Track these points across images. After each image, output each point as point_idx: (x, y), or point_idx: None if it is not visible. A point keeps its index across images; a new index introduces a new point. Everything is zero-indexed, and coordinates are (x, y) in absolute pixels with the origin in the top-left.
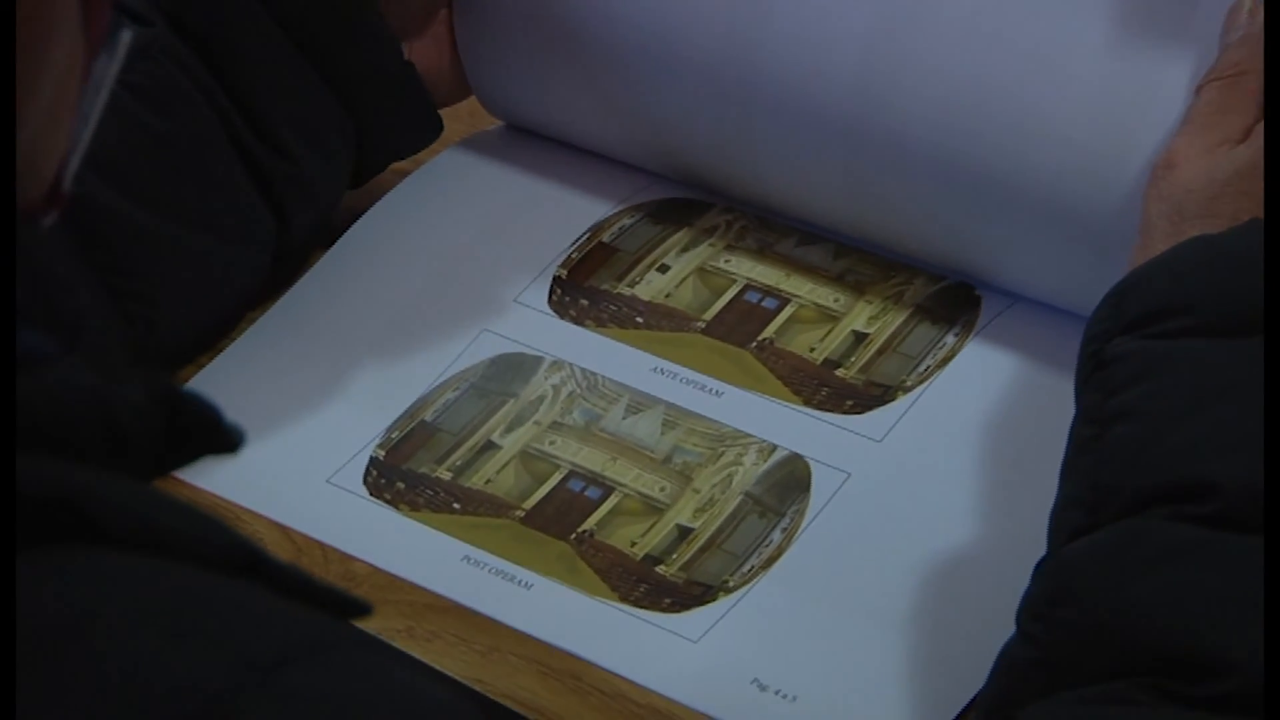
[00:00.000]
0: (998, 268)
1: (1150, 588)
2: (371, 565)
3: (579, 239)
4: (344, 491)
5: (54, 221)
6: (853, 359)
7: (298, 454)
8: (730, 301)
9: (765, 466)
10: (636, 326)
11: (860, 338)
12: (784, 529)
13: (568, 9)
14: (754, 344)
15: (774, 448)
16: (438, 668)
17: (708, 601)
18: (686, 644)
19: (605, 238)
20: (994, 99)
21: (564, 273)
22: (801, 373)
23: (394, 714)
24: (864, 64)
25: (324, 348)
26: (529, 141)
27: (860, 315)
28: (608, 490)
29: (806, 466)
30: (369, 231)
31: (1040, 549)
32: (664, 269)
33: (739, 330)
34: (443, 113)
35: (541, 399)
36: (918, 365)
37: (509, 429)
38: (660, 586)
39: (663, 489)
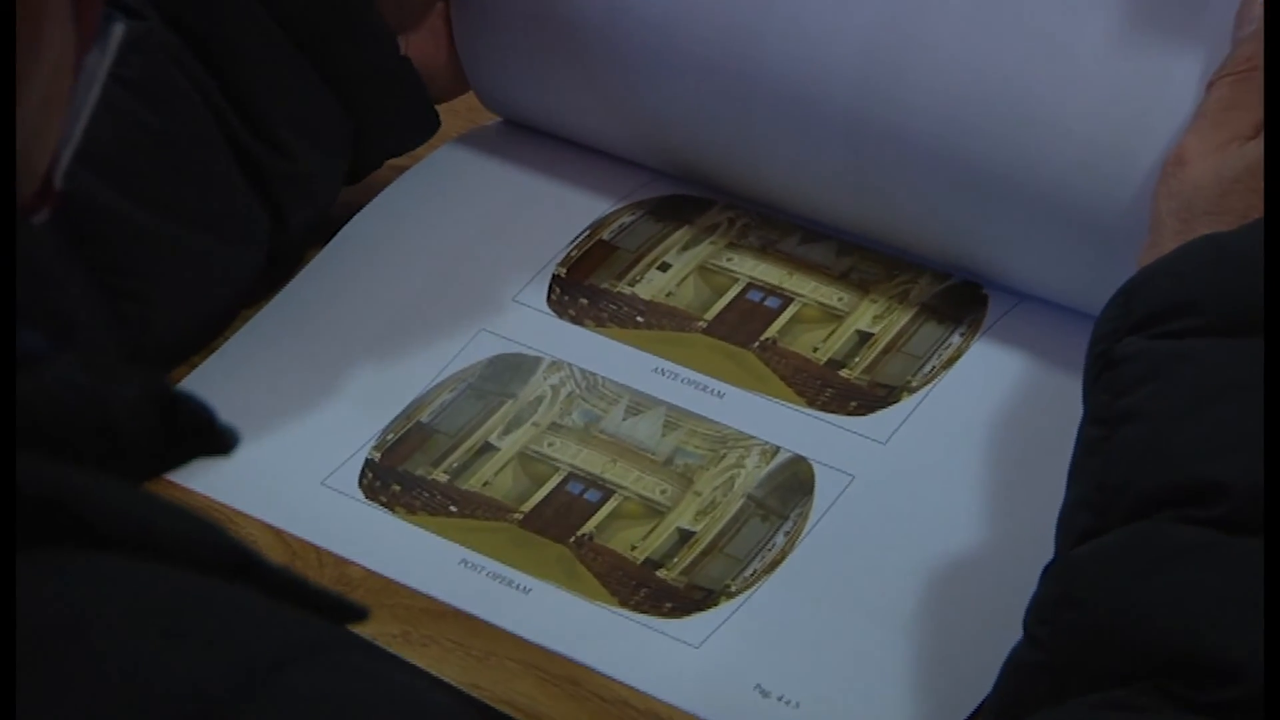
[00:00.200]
0: (1004, 266)
1: (1158, 591)
2: (367, 569)
3: (578, 236)
4: (339, 494)
5: (45, 219)
6: (857, 359)
7: (292, 456)
8: (732, 301)
9: (768, 469)
10: (637, 326)
11: (864, 337)
12: (787, 532)
13: (568, 3)
14: (756, 344)
15: (777, 450)
16: (434, 673)
17: (709, 606)
18: (688, 649)
19: (605, 235)
20: (1001, 93)
21: (563, 271)
22: (805, 373)
23: (394, 716)
24: (868, 58)
25: (318, 348)
26: (527, 137)
27: (864, 314)
28: (607, 493)
29: (810, 469)
30: (364, 229)
31: (1048, 552)
32: (665, 267)
33: (741, 330)
34: (440, 109)
35: (540, 400)
36: (923, 365)
37: (507, 430)
38: (661, 591)
39: (664, 491)
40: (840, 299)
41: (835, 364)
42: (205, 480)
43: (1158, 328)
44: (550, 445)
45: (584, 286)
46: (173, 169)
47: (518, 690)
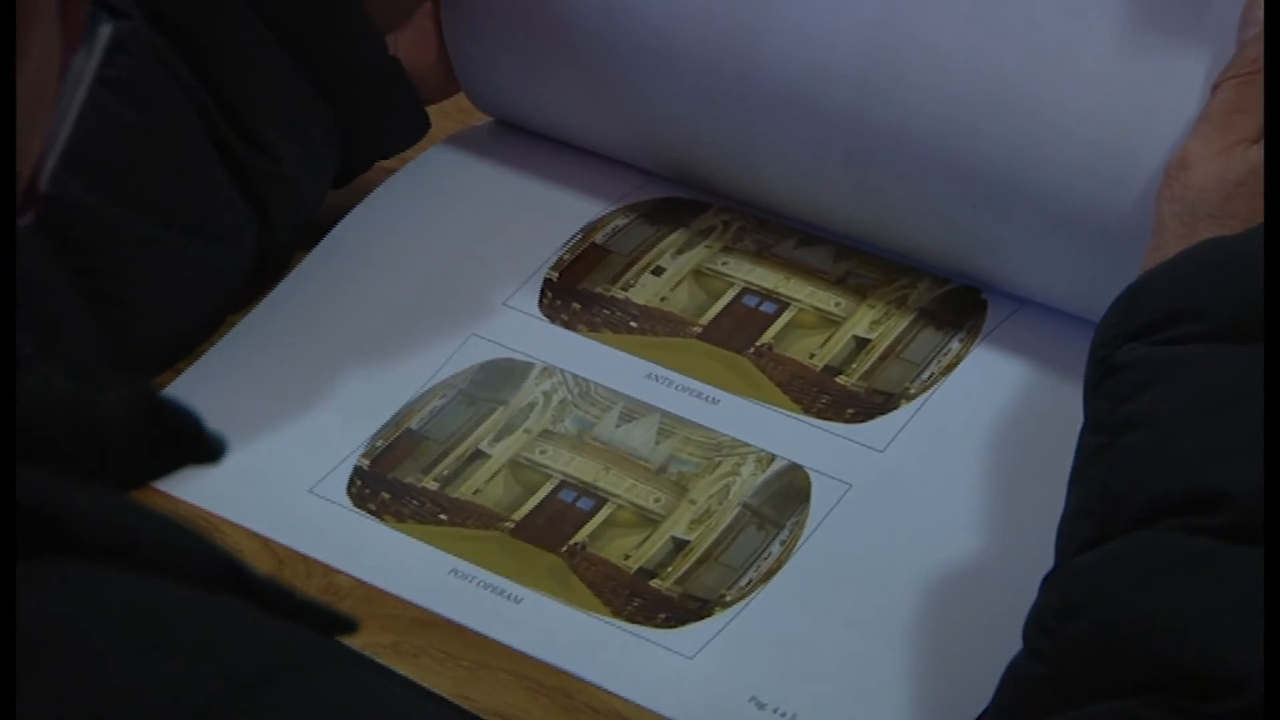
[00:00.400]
0: (1005, 270)
1: (1161, 601)
2: (355, 579)
3: (571, 240)
4: (327, 502)
5: (30, 222)
6: (854, 365)
7: (279, 463)
8: (727, 305)
9: (764, 477)
10: (630, 331)
11: (862, 343)
12: (783, 541)
13: (561, 1)
14: (752, 350)
15: (773, 457)
16: (424, 684)
17: (704, 616)
18: (682, 660)
19: (598, 239)
20: (1001, 95)
21: (555, 275)
22: (801, 380)
23: None
24: (867, 58)
25: (306, 353)
26: (519, 138)
27: (862, 320)
28: (600, 501)
29: (806, 477)
30: (353, 233)
31: (1048, 562)
32: (659, 271)
33: (737, 335)
34: (431, 110)
35: (532, 406)
36: (921, 372)
37: (498, 437)
38: (655, 601)
39: (657, 500)
40: (837, 304)
41: (832, 370)
42: (191, 488)
43: (1160, 334)
44: (542, 453)
45: (577, 291)
46: (158, 171)
47: (509, 702)
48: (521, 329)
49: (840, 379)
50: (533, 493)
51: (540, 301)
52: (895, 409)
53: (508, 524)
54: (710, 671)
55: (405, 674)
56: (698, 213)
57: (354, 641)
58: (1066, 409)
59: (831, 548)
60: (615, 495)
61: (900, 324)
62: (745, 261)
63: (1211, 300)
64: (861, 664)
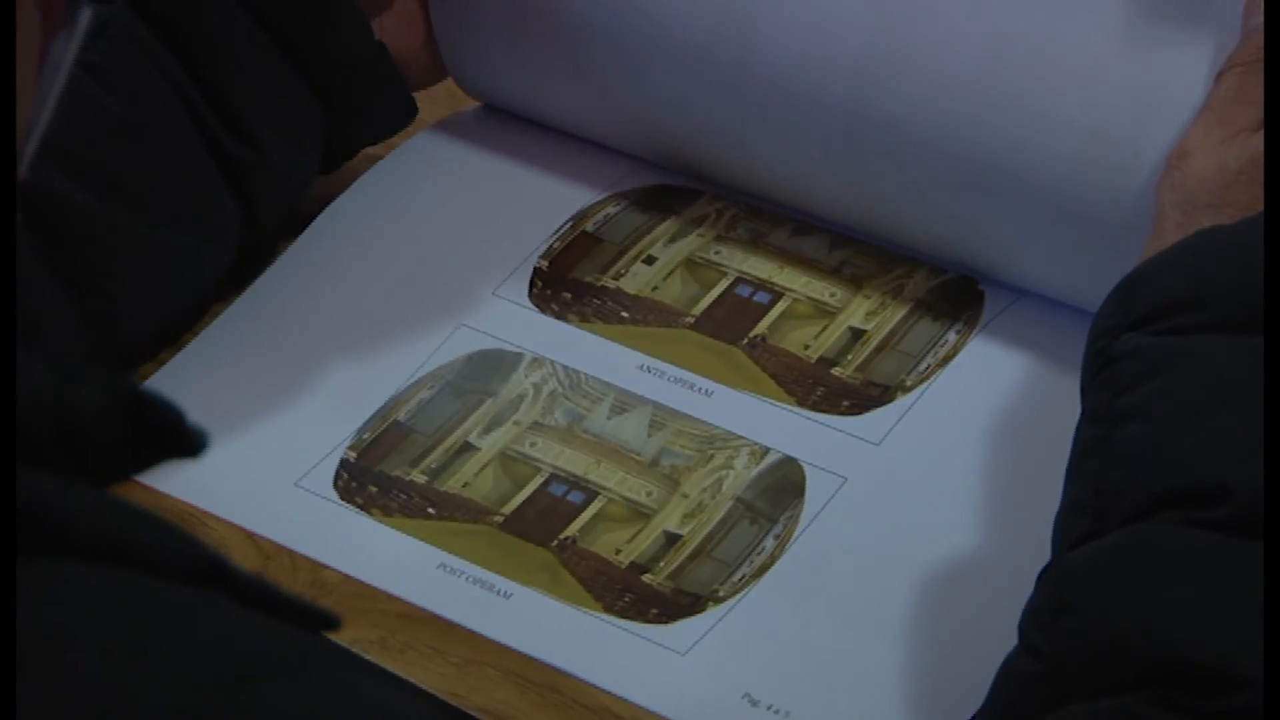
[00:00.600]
0: (1003, 261)
1: (1158, 596)
2: (342, 574)
3: (560, 228)
4: (313, 495)
5: None
6: (849, 357)
7: (264, 456)
8: (720, 295)
9: (757, 470)
10: (622, 321)
11: (857, 334)
12: (777, 536)
13: None
14: (746, 341)
15: (766, 450)
16: (412, 681)
17: (697, 612)
18: (674, 656)
19: (588, 227)
20: (1001, 83)
21: (545, 264)
22: (795, 371)
23: None
24: (865, 45)
25: (291, 344)
26: (507, 124)
27: (857, 311)
28: (591, 495)
29: (801, 470)
30: (338, 221)
31: (1047, 557)
32: (651, 261)
33: (730, 326)
34: (419, 96)
35: (521, 398)
36: (918, 364)
37: (487, 430)
38: (646, 596)
39: (649, 493)
40: (832, 294)
41: (827, 362)
42: (174, 482)
43: (1158, 324)
44: (532, 445)
45: (567, 280)
46: (139, 159)
47: (498, 698)
48: (511, 319)
49: (835, 371)
50: (522, 486)
51: (530, 291)
52: (891, 401)
53: (497, 518)
54: (703, 668)
55: (393, 670)
56: (690, 200)
57: (341, 637)
58: (1066, 401)
59: (826, 543)
60: (606, 489)
61: (896, 315)
62: (738, 251)
63: (1211, 290)
64: (857, 660)
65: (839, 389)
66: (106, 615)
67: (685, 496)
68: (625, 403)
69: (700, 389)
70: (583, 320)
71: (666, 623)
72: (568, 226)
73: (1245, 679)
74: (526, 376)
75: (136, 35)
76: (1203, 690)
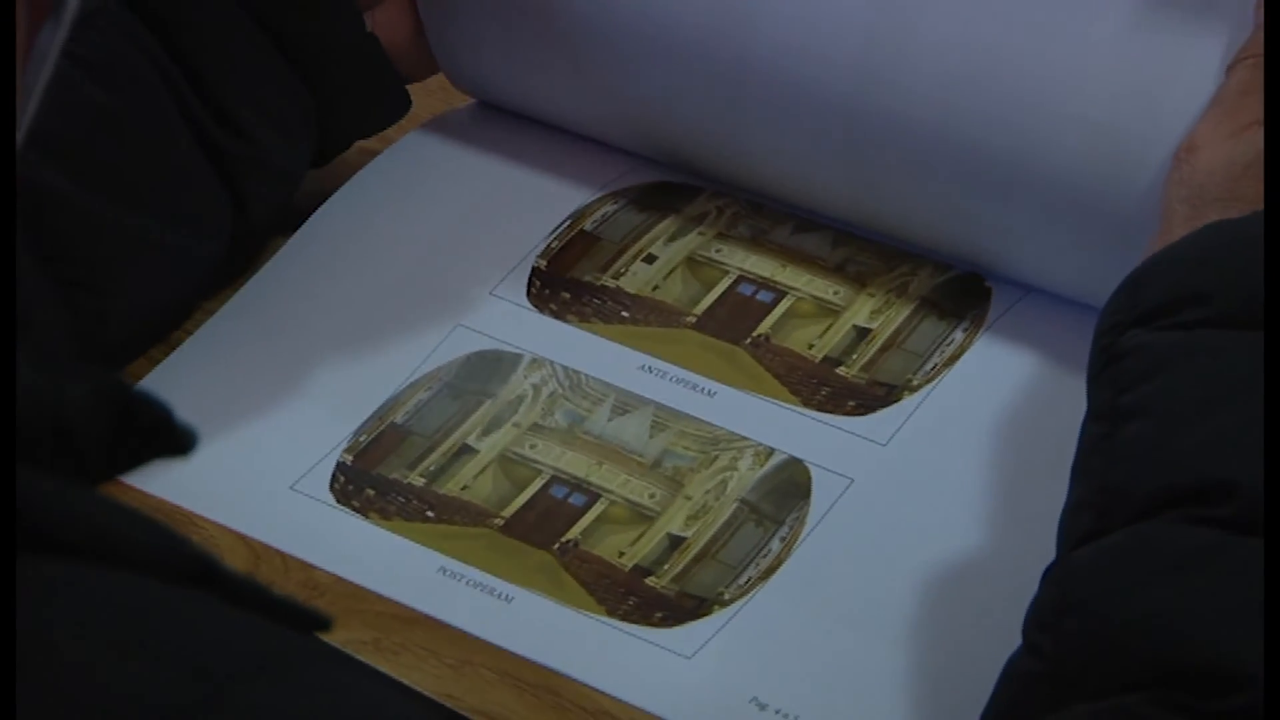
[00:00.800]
0: (1009, 257)
1: (1163, 596)
2: (338, 576)
3: (558, 227)
4: (309, 499)
5: None
6: (854, 356)
7: (259, 459)
8: (722, 294)
9: (762, 471)
10: (622, 321)
11: (862, 333)
12: (783, 538)
13: None
14: (748, 340)
15: (771, 451)
16: (406, 682)
17: (702, 615)
18: (680, 660)
19: (587, 226)
20: (1005, 76)
21: (543, 263)
22: (800, 371)
23: None
24: (866, 38)
25: (285, 344)
26: (503, 121)
27: (862, 309)
28: (593, 497)
29: (806, 471)
30: (332, 220)
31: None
32: (650, 259)
33: (732, 325)
34: (413, 88)
35: (521, 399)
36: (924, 363)
37: (486, 432)
38: (651, 599)
39: (652, 495)
40: (836, 292)
41: (832, 361)
42: (169, 485)
43: (1164, 320)
44: (532, 447)
45: (566, 280)
46: (127, 151)
47: (494, 700)
48: (509, 319)
49: (841, 370)
50: (522, 488)
51: (528, 291)
52: (898, 401)
53: (497, 521)
54: (710, 672)
55: (387, 671)
56: (690, 198)
57: (334, 638)
58: (1076, 400)
59: (833, 545)
60: (608, 491)
61: (901, 313)
62: (740, 249)
63: (1217, 285)
64: (866, 663)
65: (844, 389)
66: (96, 614)
67: (689, 498)
68: (626, 404)
69: (703, 389)
70: (582, 320)
71: (672, 626)
72: (566, 225)
73: (1249, 679)
74: (526, 377)
75: (125, 26)
76: (1206, 690)
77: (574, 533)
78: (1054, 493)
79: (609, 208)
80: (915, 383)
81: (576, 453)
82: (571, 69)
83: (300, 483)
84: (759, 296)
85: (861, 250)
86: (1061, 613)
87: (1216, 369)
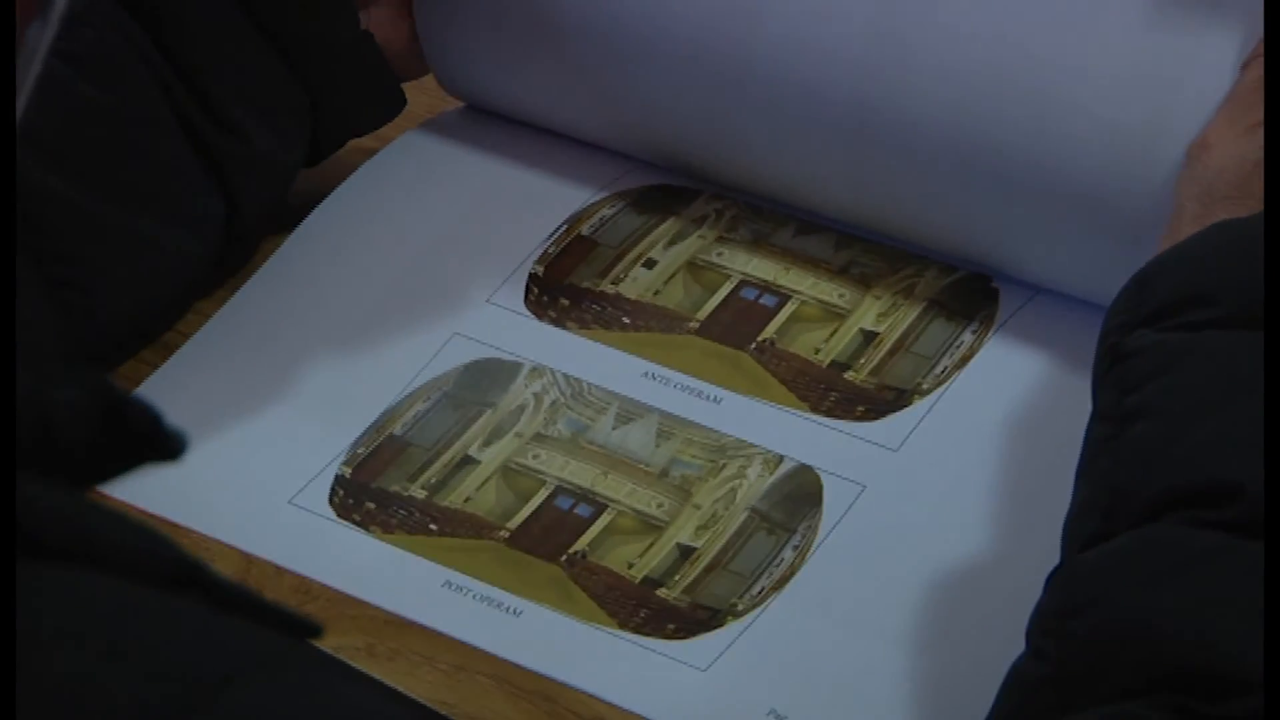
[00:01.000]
0: (1017, 257)
1: (1169, 599)
2: (339, 590)
3: (555, 232)
4: (309, 513)
5: None
6: (862, 360)
7: (256, 474)
8: (725, 299)
9: (772, 479)
10: (623, 328)
11: (869, 337)
12: (795, 546)
13: None
14: (753, 345)
15: (781, 459)
16: (400, 689)
17: (716, 626)
18: (695, 673)
19: (584, 230)
20: (1013, 74)
21: (541, 270)
22: (807, 376)
23: None
24: (870, 35)
25: (280, 355)
26: (498, 123)
27: (868, 312)
28: (599, 507)
29: (817, 479)
30: (326, 224)
31: None
32: (650, 264)
33: (736, 330)
34: (408, 87)
35: (522, 409)
36: (934, 366)
37: (487, 442)
38: (663, 611)
39: (660, 505)
40: (841, 295)
41: (839, 366)
42: (164, 501)
43: (1170, 320)
44: (535, 457)
45: (564, 286)
46: (118, 149)
47: (489, 707)
48: (507, 327)
49: (848, 375)
50: (527, 500)
51: (526, 298)
52: (908, 406)
53: (502, 533)
54: (726, 684)
55: (379, 678)
56: (689, 200)
57: (327, 644)
58: (1087, 403)
59: (847, 552)
60: (615, 501)
61: (909, 315)
62: (741, 252)
63: (1223, 285)
64: (883, 672)
65: (853, 394)
66: (84, 617)
67: (698, 508)
68: (631, 412)
69: (708, 396)
70: (582, 327)
71: (685, 638)
72: (562, 230)
73: (1254, 682)
74: (526, 386)
75: (116, 22)
76: (1211, 694)
77: (582, 544)
78: (1068, 496)
79: (606, 211)
80: (925, 386)
81: (581, 462)
82: (568, 72)
83: (299, 496)
84: (762, 301)
85: (865, 252)
86: (1065, 616)
87: (1222, 369)
